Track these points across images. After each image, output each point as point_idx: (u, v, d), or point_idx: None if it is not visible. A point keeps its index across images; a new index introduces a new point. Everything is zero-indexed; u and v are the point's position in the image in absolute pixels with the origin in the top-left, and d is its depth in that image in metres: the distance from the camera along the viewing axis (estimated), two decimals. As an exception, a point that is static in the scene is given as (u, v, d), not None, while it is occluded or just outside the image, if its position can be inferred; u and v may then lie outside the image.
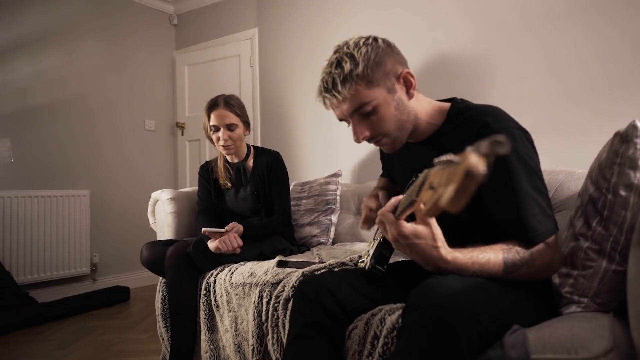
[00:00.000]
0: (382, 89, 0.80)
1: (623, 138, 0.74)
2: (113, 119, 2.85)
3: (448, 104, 0.88)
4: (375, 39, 0.82)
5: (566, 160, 1.45)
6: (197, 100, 3.04)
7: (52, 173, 2.54)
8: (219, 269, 1.37)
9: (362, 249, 1.46)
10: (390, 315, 0.84)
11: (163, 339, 1.46)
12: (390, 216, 0.69)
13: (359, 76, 0.78)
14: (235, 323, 1.26)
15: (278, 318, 1.10)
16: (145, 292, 2.71)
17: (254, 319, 1.16)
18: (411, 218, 0.69)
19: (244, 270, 1.29)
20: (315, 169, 2.35)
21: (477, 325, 0.61)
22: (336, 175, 1.91)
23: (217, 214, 1.64)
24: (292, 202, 1.80)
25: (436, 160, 0.45)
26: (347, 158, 2.21)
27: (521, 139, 0.76)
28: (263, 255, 1.46)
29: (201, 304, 1.35)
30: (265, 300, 1.16)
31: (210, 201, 1.66)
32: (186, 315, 1.34)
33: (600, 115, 1.50)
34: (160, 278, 1.48)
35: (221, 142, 1.54)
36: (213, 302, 1.34)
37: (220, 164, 1.66)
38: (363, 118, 0.81)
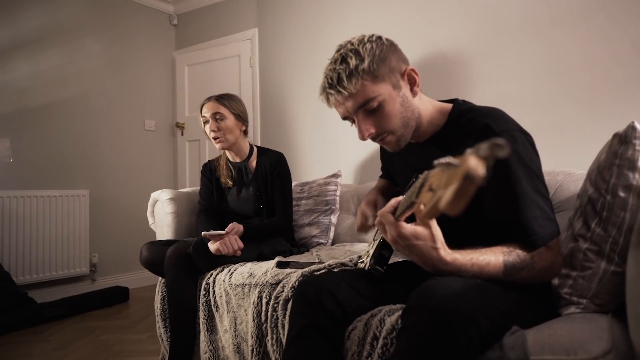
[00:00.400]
0: (388, 85, 0.79)
1: (622, 139, 0.74)
2: (113, 119, 2.85)
3: (450, 105, 0.88)
4: (379, 37, 0.82)
5: (565, 161, 1.45)
6: (197, 100, 3.02)
7: (51, 173, 2.54)
8: (219, 269, 1.37)
9: (362, 250, 1.46)
10: (389, 316, 0.84)
11: (162, 340, 1.46)
12: (390, 217, 0.69)
13: (365, 71, 0.77)
14: (235, 323, 1.26)
15: (277, 319, 1.10)
16: (144, 293, 2.71)
17: (254, 320, 1.16)
18: (411, 219, 0.69)
19: (244, 271, 1.29)
20: (315, 170, 2.35)
21: (476, 327, 0.61)
22: (336, 175, 1.91)
23: (219, 214, 1.64)
24: (293, 203, 1.80)
25: (436, 162, 0.45)
26: (346, 158, 2.21)
27: (522, 142, 0.75)
28: (263, 256, 1.46)
29: (200, 304, 1.35)
30: (264, 300, 1.16)
31: (212, 201, 1.66)
32: (185, 315, 1.34)
33: (600, 115, 1.51)
34: (160, 278, 1.48)
35: (211, 135, 1.56)
36: (212, 302, 1.34)
37: (223, 163, 1.66)
38: (368, 115, 0.81)
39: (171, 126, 3.20)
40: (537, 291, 0.78)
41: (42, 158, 2.51)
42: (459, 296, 0.63)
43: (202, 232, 1.33)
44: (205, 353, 1.33)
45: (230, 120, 1.56)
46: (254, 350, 1.15)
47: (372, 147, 2.08)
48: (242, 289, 1.24)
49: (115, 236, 2.80)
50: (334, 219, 1.80)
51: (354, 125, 0.84)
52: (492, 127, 0.75)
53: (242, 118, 1.61)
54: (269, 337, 1.11)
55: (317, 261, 1.31)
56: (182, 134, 3.13)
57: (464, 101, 0.89)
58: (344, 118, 0.85)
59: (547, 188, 0.77)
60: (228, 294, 1.28)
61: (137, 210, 2.78)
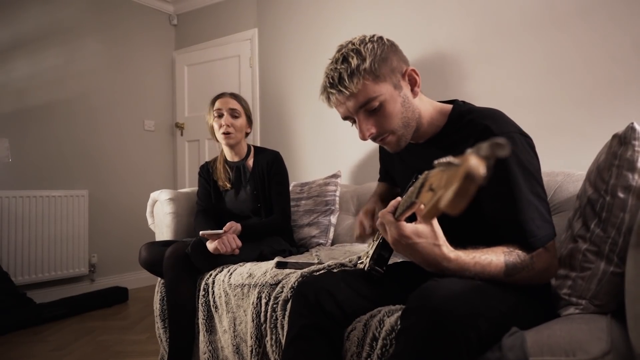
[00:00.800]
0: (389, 85, 0.79)
1: (621, 140, 0.74)
2: (112, 119, 2.84)
3: (450, 106, 0.88)
4: (380, 37, 0.82)
5: (565, 161, 1.45)
6: (197, 100, 3.03)
7: (50, 173, 2.54)
8: (218, 269, 1.37)
9: (362, 250, 1.46)
10: (389, 317, 0.84)
11: (161, 340, 1.46)
12: (390, 217, 0.69)
13: (366, 70, 0.77)
14: (234, 324, 1.26)
15: (277, 319, 1.09)
16: (143, 293, 2.71)
17: (253, 320, 1.16)
18: (411, 219, 0.69)
19: (243, 271, 1.29)
20: (314, 170, 2.35)
21: (475, 328, 0.61)
22: (335, 176, 1.91)
23: (217, 214, 1.64)
24: (292, 203, 1.80)
25: (436, 162, 0.45)
26: (346, 159, 2.21)
27: (522, 144, 0.75)
28: (262, 256, 1.46)
29: (200, 304, 1.35)
30: (264, 301, 1.15)
31: (209, 201, 1.66)
32: (185, 316, 1.34)
33: (599, 116, 1.51)
34: (159, 279, 1.48)
35: (222, 129, 1.55)
36: (212, 302, 1.33)
37: (220, 165, 1.66)
38: (369, 115, 0.81)
39: (171, 126, 3.19)
40: (536, 292, 0.78)
41: (41, 158, 2.51)
42: (458, 297, 0.63)
43: (200, 232, 1.33)
44: (205, 354, 1.33)
45: (243, 120, 1.61)
46: (253, 350, 1.15)
47: (371, 148, 2.08)
48: (241, 290, 1.24)
49: (114, 236, 2.80)
50: (333, 219, 1.80)
51: (354, 125, 0.84)
52: (491, 129, 0.75)
53: (250, 121, 1.67)
54: (268, 338, 1.11)
55: (316, 262, 1.31)
56: (181, 134, 3.13)
57: (463, 102, 0.89)
58: (345, 118, 0.85)
59: (545, 190, 0.77)
60: (227, 294, 1.28)
61: (136, 210, 2.77)
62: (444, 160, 0.42)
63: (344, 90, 0.78)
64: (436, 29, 1.92)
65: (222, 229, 1.38)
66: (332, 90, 0.80)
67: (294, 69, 2.50)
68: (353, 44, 0.80)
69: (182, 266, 1.34)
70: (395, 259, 1.18)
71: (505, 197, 0.73)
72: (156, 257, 1.41)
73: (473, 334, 0.60)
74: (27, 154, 2.44)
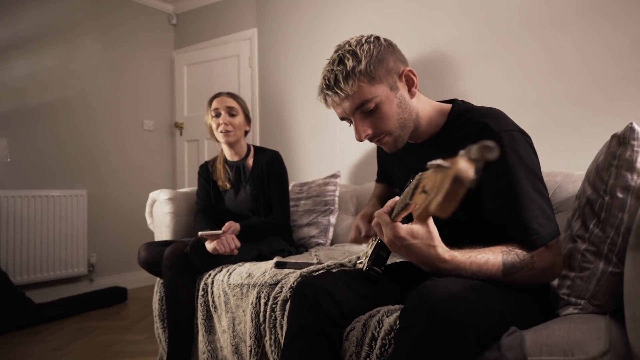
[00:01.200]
0: (385, 86, 0.79)
1: (620, 140, 0.74)
2: (111, 118, 2.84)
3: (449, 106, 0.88)
4: (377, 37, 0.82)
5: (564, 162, 1.45)
6: (196, 100, 3.03)
7: (49, 173, 2.54)
8: (217, 269, 1.37)
9: (361, 250, 1.46)
10: (387, 316, 0.84)
11: (160, 340, 1.46)
12: (386, 217, 0.69)
13: (361, 72, 0.77)
14: (233, 324, 1.26)
15: (276, 319, 1.09)
16: (142, 293, 2.71)
17: (252, 320, 1.16)
18: (408, 219, 0.69)
19: (242, 271, 1.29)
20: (314, 170, 2.35)
21: (474, 327, 0.61)
22: (335, 176, 1.91)
23: (216, 214, 1.64)
24: (291, 203, 1.80)
25: (429, 163, 0.45)
26: (345, 159, 2.21)
27: (522, 142, 0.75)
28: (261, 256, 1.46)
29: (199, 304, 1.35)
30: (263, 301, 1.15)
31: (209, 201, 1.66)
32: (184, 316, 1.34)
33: (598, 116, 1.51)
34: (158, 279, 1.48)
35: (220, 128, 1.56)
36: (211, 302, 1.33)
37: (220, 165, 1.66)
38: (365, 116, 0.81)
39: (170, 126, 3.19)
40: (535, 292, 0.78)
41: (40, 158, 2.50)
42: (457, 297, 0.63)
43: (199, 232, 1.33)
44: (204, 353, 1.33)
45: (240, 118, 1.61)
46: (252, 350, 1.15)
47: (371, 148, 2.08)
48: (240, 290, 1.24)
49: (113, 236, 2.80)
50: (332, 219, 1.80)
51: (351, 125, 0.84)
52: (491, 127, 0.75)
53: (249, 119, 1.67)
54: (267, 338, 1.11)
55: (315, 262, 1.31)
56: (180, 134, 3.13)
57: (463, 101, 0.89)
58: (342, 118, 0.85)
59: (546, 188, 0.77)
60: (226, 294, 1.28)
61: (135, 210, 2.77)
62: (435, 162, 0.42)
63: (339, 92, 0.78)
64: (435, 28, 1.92)
65: (221, 228, 1.38)
66: (328, 92, 0.80)
67: (294, 69, 2.50)
68: (349, 44, 0.80)
69: (181, 266, 1.34)
70: (393, 259, 1.18)
71: (507, 195, 0.73)
72: (155, 257, 1.41)
73: (472, 333, 0.60)
74: (26, 153, 2.44)
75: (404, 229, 0.66)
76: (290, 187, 1.91)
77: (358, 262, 1.06)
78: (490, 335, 0.64)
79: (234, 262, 1.39)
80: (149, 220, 1.80)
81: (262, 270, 1.25)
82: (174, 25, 3.22)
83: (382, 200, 1.12)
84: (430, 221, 0.67)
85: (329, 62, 0.81)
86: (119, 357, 1.67)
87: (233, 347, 1.25)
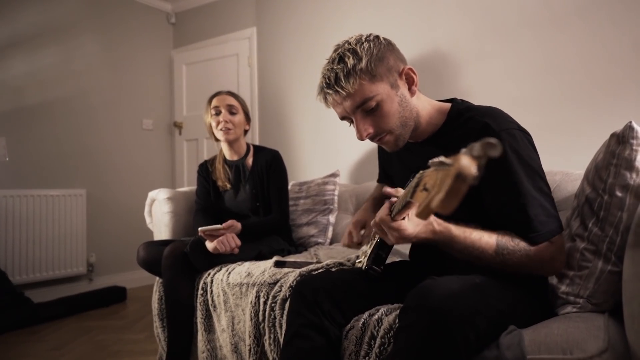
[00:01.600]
0: (386, 84, 0.79)
1: (619, 139, 0.74)
2: (110, 118, 2.83)
3: (448, 105, 0.88)
4: (376, 36, 0.82)
5: (563, 160, 1.45)
6: (195, 99, 3.03)
7: (48, 172, 2.53)
8: (216, 268, 1.37)
9: (360, 250, 1.46)
10: (387, 315, 0.84)
11: (160, 339, 1.46)
12: (389, 220, 0.69)
13: (362, 70, 0.77)
14: (232, 323, 1.26)
15: (275, 318, 1.09)
16: (142, 292, 2.70)
17: (251, 319, 1.16)
18: None
19: (241, 270, 1.29)
20: (313, 169, 2.35)
21: (473, 326, 0.61)
22: (334, 175, 1.91)
23: (216, 213, 1.64)
24: (290, 202, 1.80)
25: (430, 161, 0.45)
26: (345, 158, 2.21)
27: (522, 140, 0.76)
28: (261, 256, 1.45)
29: (198, 304, 1.35)
30: (262, 300, 1.15)
31: (208, 200, 1.66)
32: (183, 315, 1.34)
33: (597, 115, 1.51)
34: (157, 278, 1.48)
35: (220, 125, 1.55)
36: (210, 302, 1.33)
37: (219, 165, 1.66)
38: (366, 115, 0.81)
39: (169, 125, 3.19)
40: (534, 290, 0.78)
41: (39, 157, 2.50)
42: (457, 296, 0.63)
43: (199, 228, 1.33)
44: (203, 353, 1.33)
45: (240, 116, 1.61)
46: (252, 349, 1.15)
47: (370, 147, 2.08)
48: (239, 289, 1.24)
49: (112, 236, 2.79)
50: (332, 218, 1.80)
51: (352, 125, 0.84)
52: (491, 126, 0.75)
53: (248, 118, 1.67)
54: (266, 337, 1.11)
55: (315, 261, 1.31)
56: (180, 133, 3.12)
57: (462, 100, 0.89)
58: (342, 118, 0.85)
59: (548, 185, 0.77)
60: (226, 293, 1.28)
61: (134, 209, 2.76)
62: (436, 159, 0.42)
63: (340, 90, 0.78)
64: (435, 28, 1.92)
65: (220, 224, 1.37)
66: (328, 91, 0.80)
67: (293, 68, 2.50)
68: (349, 43, 0.80)
69: (181, 265, 1.34)
70: (393, 258, 1.19)
71: (508, 194, 0.73)
72: (154, 256, 1.40)
73: (471, 332, 0.60)
74: (25, 152, 2.43)
75: (409, 228, 0.68)
76: (289, 187, 1.91)
77: (357, 261, 1.06)
78: (489, 334, 0.64)
79: (233, 262, 1.39)
80: (148, 220, 1.80)
81: (262, 269, 1.25)
82: (173, 24, 3.22)
83: (377, 202, 1.12)
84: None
85: (329, 61, 0.81)
86: (118, 357, 1.67)
87: (232, 346, 1.25)
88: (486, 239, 0.72)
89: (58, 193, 2.50)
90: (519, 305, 0.73)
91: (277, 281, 1.17)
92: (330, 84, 0.79)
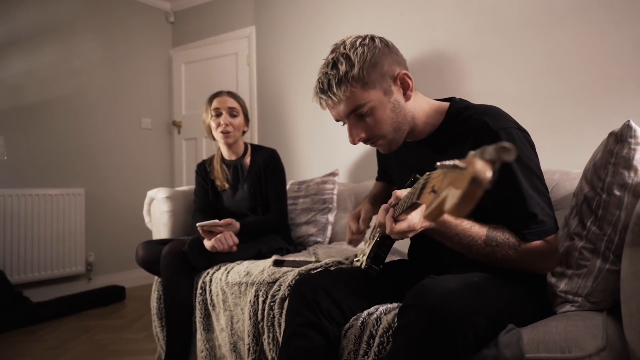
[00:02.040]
0: (378, 91, 0.79)
1: (617, 138, 0.74)
2: (109, 117, 2.83)
3: (447, 104, 0.88)
4: (372, 39, 0.81)
5: (562, 159, 1.45)
6: (194, 98, 3.02)
7: (46, 171, 2.52)
8: (215, 268, 1.37)
9: (359, 248, 1.46)
10: (386, 314, 0.84)
11: (158, 339, 1.46)
12: (391, 222, 0.68)
13: (354, 78, 0.77)
14: (231, 322, 1.26)
15: (274, 317, 1.09)
16: (140, 292, 2.70)
17: (250, 318, 1.16)
18: None
19: (240, 269, 1.29)
20: (312, 168, 2.35)
21: (472, 325, 0.61)
22: (333, 174, 1.91)
23: (214, 213, 1.64)
24: (289, 201, 1.80)
25: (439, 163, 0.45)
26: (344, 157, 2.21)
27: (520, 139, 0.76)
28: (260, 255, 1.45)
29: (197, 303, 1.35)
30: (261, 299, 1.15)
31: (207, 200, 1.66)
32: (182, 314, 1.34)
33: (596, 114, 1.51)
34: (156, 277, 1.48)
35: (221, 128, 1.55)
36: (209, 301, 1.33)
37: (217, 165, 1.65)
38: (359, 120, 0.81)
39: (168, 124, 3.18)
40: (532, 289, 0.78)
41: (37, 156, 2.49)
42: (455, 295, 0.63)
43: (197, 224, 1.33)
44: (202, 352, 1.33)
45: (241, 119, 1.62)
46: (251, 348, 1.15)
47: (369, 147, 2.07)
48: (238, 288, 1.24)
49: (111, 235, 2.79)
50: (331, 217, 1.80)
51: (345, 126, 0.85)
52: (490, 125, 0.75)
53: (247, 119, 1.67)
54: (265, 336, 1.11)
55: (314, 260, 1.31)
56: (178, 133, 3.12)
57: (461, 99, 0.89)
58: (337, 120, 0.86)
59: (545, 185, 0.77)
60: (225, 292, 1.28)
61: (133, 208, 2.76)
62: (448, 162, 0.42)
63: (332, 96, 0.79)
64: (434, 27, 1.92)
65: (218, 220, 1.37)
66: (322, 96, 0.81)
67: (292, 67, 2.49)
68: (344, 47, 0.80)
69: (180, 264, 1.34)
70: (392, 257, 1.19)
71: (505, 193, 0.73)
72: (153, 255, 1.40)
73: (470, 331, 0.60)
74: (23, 151, 2.42)
75: (415, 218, 0.67)
76: (288, 186, 1.91)
77: (356, 260, 1.06)
78: (488, 333, 0.64)
79: (232, 261, 1.39)
80: (146, 219, 1.80)
81: (261, 268, 1.25)
82: (172, 23, 3.21)
83: (375, 199, 1.12)
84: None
85: (324, 65, 0.81)
86: (116, 356, 1.67)
87: (231, 345, 1.25)
88: (477, 229, 0.72)
89: (57, 192, 2.49)
90: (518, 304, 0.73)
91: (276, 280, 1.17)
92: (324, 89, 0.80)
